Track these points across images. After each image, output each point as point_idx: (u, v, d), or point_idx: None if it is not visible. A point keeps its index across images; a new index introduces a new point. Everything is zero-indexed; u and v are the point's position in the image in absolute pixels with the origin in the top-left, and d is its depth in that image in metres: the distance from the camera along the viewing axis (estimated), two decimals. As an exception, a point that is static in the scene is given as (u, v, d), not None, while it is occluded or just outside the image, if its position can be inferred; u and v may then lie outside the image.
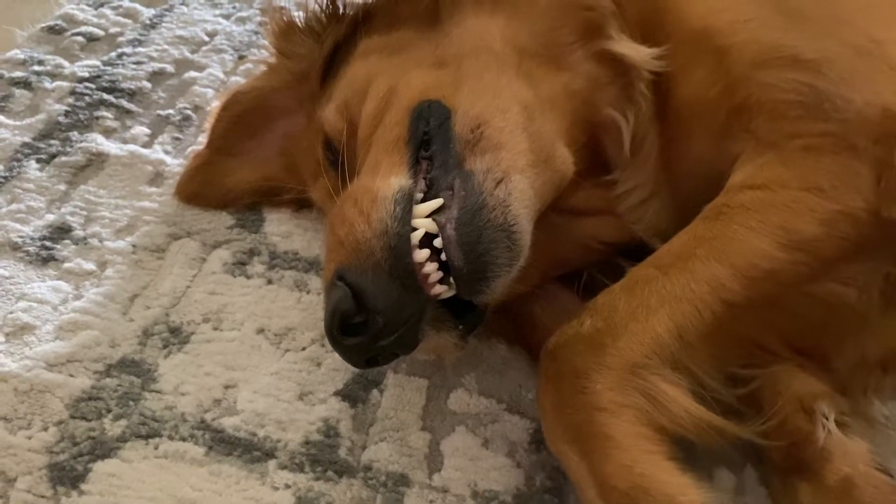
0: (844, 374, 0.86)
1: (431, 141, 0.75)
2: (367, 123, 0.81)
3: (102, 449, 0.72)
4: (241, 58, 1.29)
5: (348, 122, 0.83)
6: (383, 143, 0.78)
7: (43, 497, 0.69)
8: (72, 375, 0.78)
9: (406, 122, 0.77)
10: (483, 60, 0.82)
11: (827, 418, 0.75)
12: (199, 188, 1.01)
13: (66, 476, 0.70)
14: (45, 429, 0.73)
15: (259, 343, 0.85)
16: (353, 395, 0.81)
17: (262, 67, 1.02)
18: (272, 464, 0.73)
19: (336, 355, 0.83)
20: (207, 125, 1.03)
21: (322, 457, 0.74)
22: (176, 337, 0.84)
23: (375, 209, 0.70)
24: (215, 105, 1.06)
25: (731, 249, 0.72)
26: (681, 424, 0.68)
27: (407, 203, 0.70)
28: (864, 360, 0.88)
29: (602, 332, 0.71)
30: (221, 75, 1.25)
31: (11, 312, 0.83)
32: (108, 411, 0.75)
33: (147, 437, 0.73)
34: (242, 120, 1.01)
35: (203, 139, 1.03)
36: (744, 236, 0.72)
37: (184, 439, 0.74)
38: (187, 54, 1.27)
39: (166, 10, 1.38)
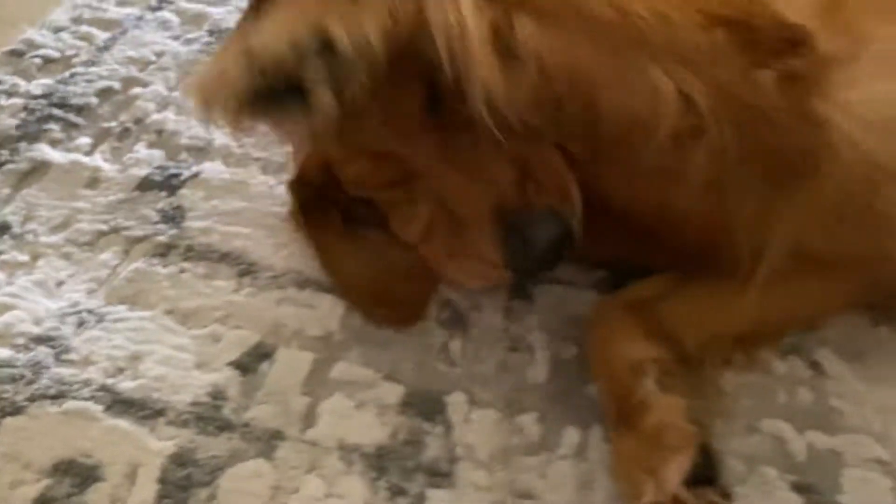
0: (693, 347, 0.96)
1: None
2: None
3: (13, 407, 0.83)
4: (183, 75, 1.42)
5: None
6: None
7: (-42, 447, 0.80)
8: (-6, 349, 0.90)
9: None
10: None
11: (648, 376, 0.85)
12: None
13: (-20, 430, 0.81)
14: (-33, 392, 0.85)
15: (167, 322, 0.96)
16: (245, 365, 0.92)
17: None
18: (161, 420, 0.84)
19: (234, 332, 0.96)
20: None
21: (206, 415, 0.85)
22: (92, 316, 0.95)
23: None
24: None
25: None
26: None
27: None
28: (717, 335, 0.98)
29: None
30: (164, 91, 1.37)
31: (-51, 298, 0.96)
32: (22, 377, 0.86)
33: (53, 397, 0.85)
34: None
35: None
36: None
37: (86, 399, 0.85)
38: (134, 73, 1.40)
39: (121, 32, 1.51)
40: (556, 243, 0.85)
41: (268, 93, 0.67)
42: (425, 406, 0.91)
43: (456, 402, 0.92)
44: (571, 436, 0.89)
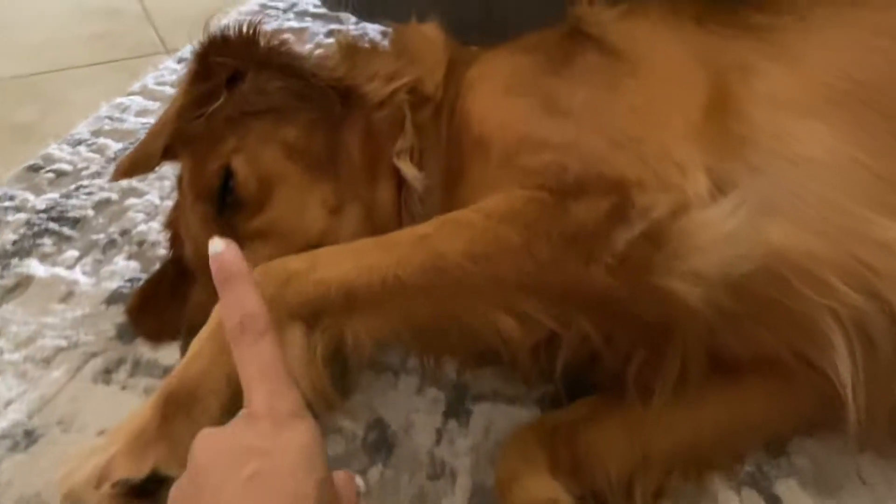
0: (618, 476, 0.89)
1: None
2: (271, 220, 1.01)
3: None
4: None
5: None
6: (280, 253, 0.93)
7: None
8: (-71, 470, 0.95)
9: None
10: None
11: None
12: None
13: None
14: None
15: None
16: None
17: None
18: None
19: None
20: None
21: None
22: (27, 438, 0.99)
23: None
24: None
25: (427, 244, 0.83)
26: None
27: None
28: (645, 459, 0.91)
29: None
30: (157, 201, 1.44)
31: None
32: (-55, 500, 0.91)
33: (-33, 522, 0.89)
34: None
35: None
36: (440, 238, 0.83)
37: (-5, 524, 0.89)
38: (134, 183, 1.48)
39: (132, 143, 1.61)
40: None
41: None
42: (326, 541, 0.88)
43: (359, 536, 0.89)
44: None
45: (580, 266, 0.80)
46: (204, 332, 0.85)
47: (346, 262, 0.84)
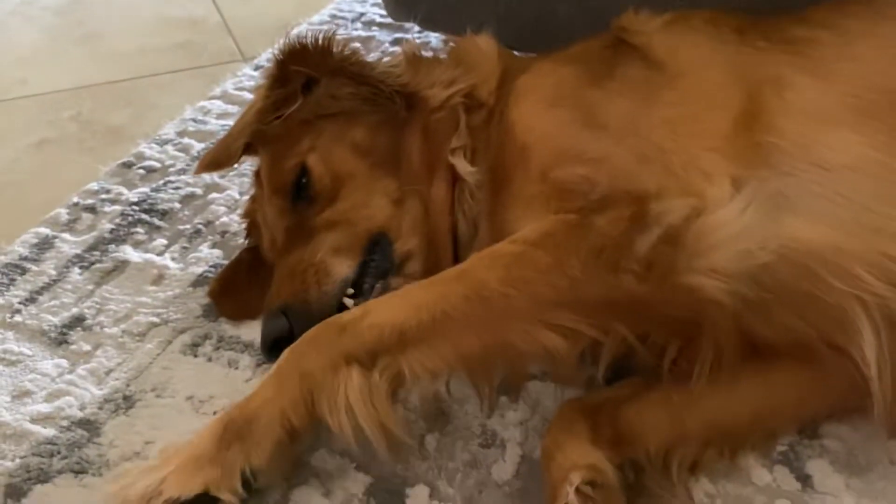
0: (657, 449, 0.96)
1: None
2: (340, 211, 1.13)
3: (44, 477, 1.01)
4: (257, 179, 1.62)
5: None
6: (347, 239, 1.11)
7: (-5, 506, 0.99)
8: (44, 428, 1.08)
9: (365, 242, 1.12)
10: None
11: (571, 485, 0.87)
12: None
13: (15, 492, 0.99)
14: (13, 460, 1.03)
15: (184, 408, 1.11)
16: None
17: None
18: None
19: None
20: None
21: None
22: (126, 402, 1.12)
23: (328, 283, 1.07)
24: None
25: (468, 277, 0.94)
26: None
27: (346, 288, 1.07)
28: (682, 435, 0.98)
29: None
30: (237, 195, 1.57)
31: (22, 382, 1.16)
32: (58, 453, 1.04)
33: (77, 472, 1.02)
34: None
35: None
36: (479, 269, 0.94)
37: (101, 476, 1.01)
38: (216, 179, 1.61)
39: (213, 143, 1.75)
40: (275, 340, 1.05)
41: None
42: (387, 497, 0.98)
43: (417, 494, 0.98)
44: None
45: (609, 276, 0.89)
46: (270, 371, 0.96)
47: (396, 305, 0.95)
